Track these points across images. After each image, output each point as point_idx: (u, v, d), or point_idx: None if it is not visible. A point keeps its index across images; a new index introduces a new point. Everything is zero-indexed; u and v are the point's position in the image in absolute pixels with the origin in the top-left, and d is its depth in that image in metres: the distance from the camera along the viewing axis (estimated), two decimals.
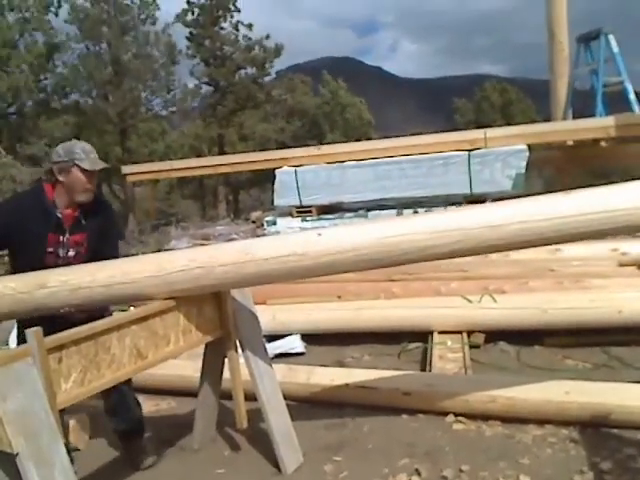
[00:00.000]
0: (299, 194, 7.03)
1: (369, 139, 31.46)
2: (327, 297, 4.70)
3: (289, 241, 2.25)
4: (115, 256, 2.60)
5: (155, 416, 3.36)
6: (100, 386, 2.09)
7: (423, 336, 4.19)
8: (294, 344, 4.27)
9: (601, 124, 6.50)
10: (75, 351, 1.99)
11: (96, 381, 2.07)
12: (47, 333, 1.89)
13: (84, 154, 2.47)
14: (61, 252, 2.53)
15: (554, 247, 4.94)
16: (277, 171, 7.42)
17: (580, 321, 3.92)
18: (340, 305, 4.59)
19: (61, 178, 2.48)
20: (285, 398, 2.77)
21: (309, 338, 4.39)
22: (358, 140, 30.22)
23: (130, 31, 22.17)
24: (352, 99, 32.91)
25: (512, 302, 4.13)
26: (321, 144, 23.08)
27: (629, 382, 2.96)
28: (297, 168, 7.14)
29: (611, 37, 7.85)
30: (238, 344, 2.66)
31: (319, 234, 2.16)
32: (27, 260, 2.50)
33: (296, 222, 7.06)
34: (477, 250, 2.15)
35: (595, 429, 2.69)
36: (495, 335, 4.10)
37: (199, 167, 8.91)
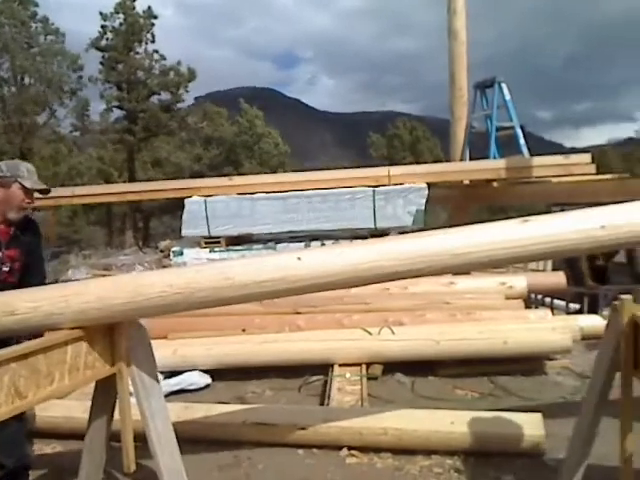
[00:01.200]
0: (208, 224, 6.96)
1: (285, 169, 31.92)
2: (231, 330, 4.67)
3: (268, 265, 2.25)
4: (42, 274, 2.77)
5: (38, 461, 3.14)
6: None
7: (325, 369, 4.26)
8: (194, 380, 4.18)
9: (493, 166, 7.03)
10: None
11: None
12: None
13: (27, 173, 2.59)
14: None
15: (449, 280, 5.24)
16: (186, 200, 7.31)
17: (470, 352, 4.16)
18: (244, 339, 4.57)
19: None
20: (180, 438, 2.69)
21: (212, 373, 4.33)
22: (274, 169, 30.53)
23: (33, 48, 21.27)
24: (268, 129, 33.32)
25: (409, 334, 4.31)
26: (238, 173, 23.14)
27: (510, 410, 3.16)
28: (207, 198, 7.08)
29: (504, 86, 8.56)
30: (130, 382, 2.58)
31: (299, 258, 2.20)
32: None
33: (204, 253, 6.97)
34: (438, 273, 2.28)
35: (477, 458, 2.85)
36: (393, 366, 4.26)
37: (104, 194, 8.57)
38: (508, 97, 8.44)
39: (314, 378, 4.25)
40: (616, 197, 2.83)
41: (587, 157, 6.50)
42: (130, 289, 2.19)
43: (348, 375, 4.08)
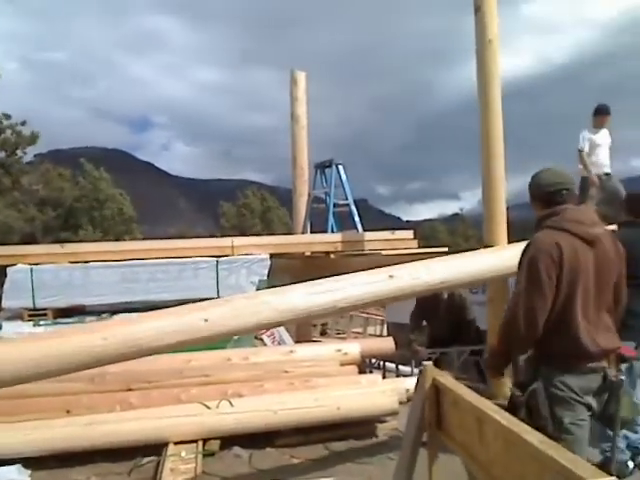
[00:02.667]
0: (33, 295, 6.39)
1: (134, 235, 30.49)
2: (54, 413, 4.25)
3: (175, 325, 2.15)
4: None
5: None
6: None
7: (160, 449, 4.04)
8: (9, 475, 3.69)
9: (331, 239, 7.55)
10: None
11: None
12: None
13: None
14: None
15: (288, 349, 5.37)
16: (9, 269, 6.66)
17: (306, 420, 4.26)
18: (68, 421, 4.18)
19: None
20: None
21: (30, 461, 3.87)
22: (119, 236, 28.99)
23: None
24: (114, 192, 31.82)
25: (247, 405, 4.29)
26: (76, 240, 21.52)
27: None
28: (33, 266, 6.53)
29: (340, 167, 9.38)
30: None
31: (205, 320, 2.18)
32: None
33: (27, 326, 6.34)
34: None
35: None
36: (232, 440, 4.18)
37: None
38: (344, 177, 9.22)
39: (146, 460, 4.00)
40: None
41: (410, 233, 7.35)
42: None
43: (183, 454, 3.92)
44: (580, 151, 6.77)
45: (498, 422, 1.59)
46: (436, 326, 6.19)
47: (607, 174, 6.86)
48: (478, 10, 4.72)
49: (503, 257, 4.12)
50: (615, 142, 7.04)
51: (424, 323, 6.32)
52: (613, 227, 3.98)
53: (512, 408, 2.27)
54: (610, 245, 2.44)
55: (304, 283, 3.03)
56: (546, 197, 2.46)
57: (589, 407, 2.32)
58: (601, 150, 6.86)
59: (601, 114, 6.85)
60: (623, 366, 3.23)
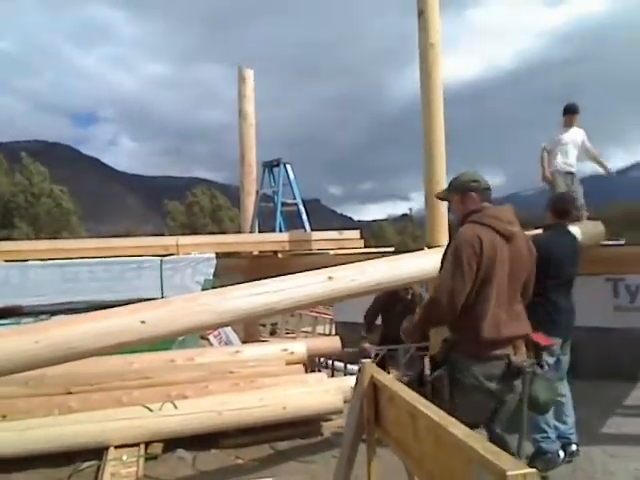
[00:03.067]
0: None
1: (77, 232, 29.34)
2: None
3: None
4: None
5: None
6: None
7: (100, 453, 3.95)
8: None
9: (279, 239, 7.55)
10: None
11: None
12: None
13: None
14: None
15: (234, 349, 5.35)
16: None
17: (251, 420, 4.26)
18: (4, 426, 4.04)
19: None
20: None
21: None
22: (57, 233, 27.87)
23: None
24: (51, 187, 30.59)
25: (192, 407, 4.25)
26: (11, 238, 20.55)
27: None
28: None
29: (289, 166, 9.35)
30: None
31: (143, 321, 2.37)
32: None
33: None
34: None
35: None
36: (176, 442, 4.13)
37: None
38: (292, 177, 9.22)
39: (86, 464, 3.92)
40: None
41: (357, 233, 7.45)
42: None
43: (125, 457, 3.85)
44: (543, 149, 6.69)
45: (429, 417, 1.65)
46: (390, 325, 6.25)
47: (570, 173, 6.69)
48: (421, 14, 4.82)
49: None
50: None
51: (379, 322, 6.38)
52: (538, 231, 4.13)
53: (420, 383, 2.57)
54: (524, 243, 2.71)
55: (245, 284, 3.05)
56: (467, 192, 2.74)
57: (490, 392, 2.51)
58: (569, 148, 6.72)
59: (569, 113, 6.74)
60: (551, 359, 3.40)
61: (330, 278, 3.06)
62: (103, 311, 2.60)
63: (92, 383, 4.55)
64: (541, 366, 2.62)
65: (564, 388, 3.90)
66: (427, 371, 2.59)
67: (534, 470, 1.27)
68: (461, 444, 1.42)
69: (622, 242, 6.73)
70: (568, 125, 6.71)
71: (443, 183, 4.78)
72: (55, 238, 21.12)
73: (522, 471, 1.22)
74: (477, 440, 1.40)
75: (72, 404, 4.32)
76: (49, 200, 29.18)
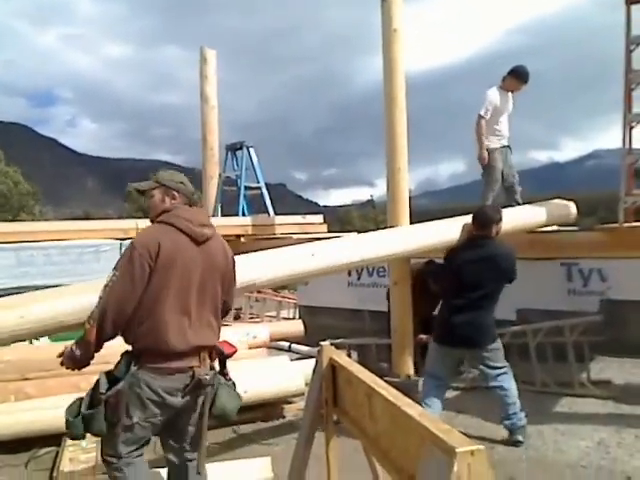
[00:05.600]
0: None
1: (34, 214, 28.49)
2: None
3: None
4: None
5: None
6: None
7: (59, 439, 3.89)
8: None
9: (242, 222, 7.53)
10: None
11: None
12: None
13: None
14: None
15: None
16: None
17: None
18: None
19: None
20: None
21: None
22: (15, 214, 27.01)
23: None
24: (8, 168, 29.57)
25: None
26: None
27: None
28: None
29: (252, 150, 9.29)
30: None
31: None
32: None
33: None
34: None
35: None
36: None
37: None
38: (255, 160, 9.17)
39: (44, 450, 3.87)
40: None
41: (320, 218, 7.48)
42: None
43: (84, 443, 3.78)
44: (480, 117, 5.55)
45: (384, 397, 1.69)
46: (428, 305, 5.63)
47: (507, 147, 5.82)
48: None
49: (406, 238, 4.36)
50: (515, 135, 6.00)
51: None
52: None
53: (90, 405, 2.32)
54: (219, 248, 2.54)
55: None
56: (171, 191, 2.54)
57: (172, 406, 2.38)
58: (504, 118, 5.75)
59: (518, 79, 5.64)
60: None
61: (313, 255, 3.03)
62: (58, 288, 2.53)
63: (48, 369, 4.46)
64: (224, 375, 2.53)
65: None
66: (102, 388, 2.31)
67: (482, 447, 1.32)
68: (415, 423, 1.46)
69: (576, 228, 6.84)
70: (509, 89, 5.69)
71: (405, 170, 4.84)
72: (12, 221, 20.47)
73: (471, 447, 1.27)
74: (430, 420, 1.45)
75: (28, 390, 4.24)
76: (7, 181, 28.18)
